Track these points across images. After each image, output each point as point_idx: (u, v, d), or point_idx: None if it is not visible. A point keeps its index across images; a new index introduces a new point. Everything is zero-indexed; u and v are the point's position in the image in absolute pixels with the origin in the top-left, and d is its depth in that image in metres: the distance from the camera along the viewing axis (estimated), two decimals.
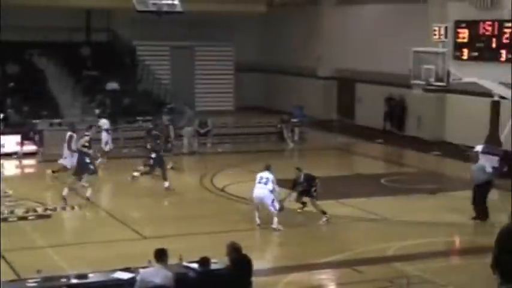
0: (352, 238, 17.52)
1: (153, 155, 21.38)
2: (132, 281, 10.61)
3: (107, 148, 24.91)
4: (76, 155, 20.38)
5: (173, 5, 25.15)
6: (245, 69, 37.85)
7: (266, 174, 17.40)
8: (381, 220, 18.56)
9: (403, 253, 15.72)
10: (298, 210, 18.63)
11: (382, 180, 23.28)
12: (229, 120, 33.15)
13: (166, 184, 21.07)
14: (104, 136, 24.97)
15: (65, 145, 21.25)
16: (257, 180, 17.43)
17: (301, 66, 37.35)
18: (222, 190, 21.50)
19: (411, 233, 17.34)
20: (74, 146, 20.89)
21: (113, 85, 32.14)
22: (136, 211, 19.34)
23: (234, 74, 37.62)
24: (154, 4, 24.90)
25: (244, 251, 10.70)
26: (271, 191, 17.22)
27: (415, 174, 25.30)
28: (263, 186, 17.24)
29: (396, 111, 32.93)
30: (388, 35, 32.40)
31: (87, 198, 19.53)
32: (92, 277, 11.15)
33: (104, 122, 25.31)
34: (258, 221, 17.50)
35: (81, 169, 19.88)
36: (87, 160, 19.94)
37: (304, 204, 18.51)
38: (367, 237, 17.25)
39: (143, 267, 10.79)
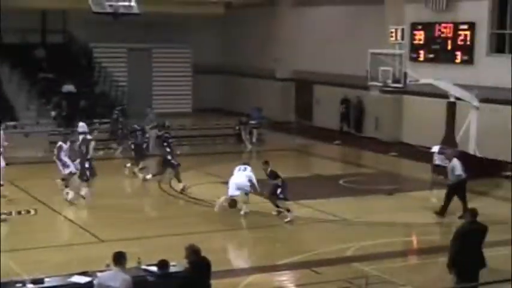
0: (311, 239, 17.55)
1: (169, 157, 21.59)
2: (89, 285, 10.50)
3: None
4: (68, 162, 20.43)
5: (130, 6, 24.91)
6: (203, 71, 37.71)
7: (244, 166, 18.66)
8: (339, 221, 18.62)
9: (362, 253, 15.79)
10: (273, 213, 18.59)
11: (341, 181, 23.37)
12: (187, 122, 32.97)
13: (181, 185, 21.26)
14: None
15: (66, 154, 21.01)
16: (236, 170, 18.49)
17: (259, 68, 37.37)
18: (181, 192, 21.39)
19: (370, 233, 17.43)
20: (63, 156, 20.69)
21: (69, 87, 31.77)
22: (93, 214, 19.14)
23: (192, 76, 37.47)
24: (110, 6, 24.62)
25: (203, 254, 10.63)
26: (250, 181, 18.22)
27: (372, 175, 25.45)
28: (241, 173, 18.31)
29: (354, 113, 33.15)
30: (346, 37, 32.58)
31: (70, 201, 19.63)
32: (48, 282, 11.00)
33: (82, 125, 25.02)
34: (217, 207, 18.31)
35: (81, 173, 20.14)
36: (87, 165, 20.03)
37: (279, 207, 18.47)
38: (325, 238, 17.30)
39: (101, 271, 10.66)
